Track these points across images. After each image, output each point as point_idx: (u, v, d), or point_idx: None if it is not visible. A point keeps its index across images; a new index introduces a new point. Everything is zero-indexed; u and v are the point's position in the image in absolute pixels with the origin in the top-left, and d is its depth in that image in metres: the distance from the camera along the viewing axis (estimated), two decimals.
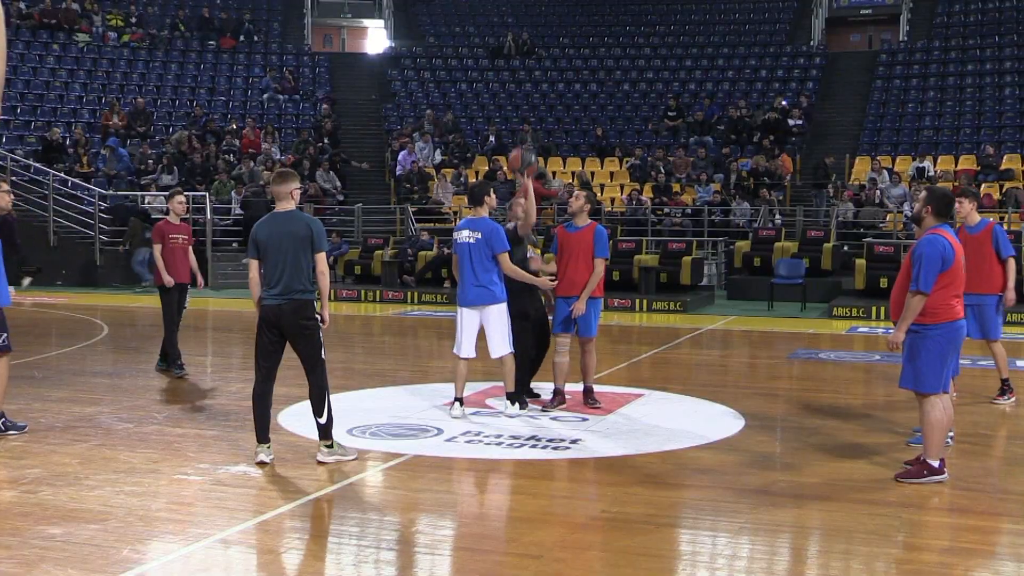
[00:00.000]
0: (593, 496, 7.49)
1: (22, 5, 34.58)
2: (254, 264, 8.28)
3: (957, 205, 9.62)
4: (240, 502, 7.27)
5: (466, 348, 9.86)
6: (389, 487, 7.97)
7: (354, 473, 8.02)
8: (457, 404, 9.85)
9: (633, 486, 7.76)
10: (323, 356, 8.28)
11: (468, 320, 9.82)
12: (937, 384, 7.60)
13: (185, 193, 13.66)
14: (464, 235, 9.74)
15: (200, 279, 13.15)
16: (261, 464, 8.09)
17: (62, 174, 26.88)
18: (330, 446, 8.23)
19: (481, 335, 9.77)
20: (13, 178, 25.98)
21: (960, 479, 7.81)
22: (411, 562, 6.26)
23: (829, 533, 6.78)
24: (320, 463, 8.15)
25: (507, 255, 9.59)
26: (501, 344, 9.78)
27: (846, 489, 7.64)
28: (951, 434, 8.68)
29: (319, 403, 8.20)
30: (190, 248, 12.77)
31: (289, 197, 8.31)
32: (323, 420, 8.20)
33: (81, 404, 10.58)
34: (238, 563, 6.21)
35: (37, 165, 27.00)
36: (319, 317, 8.22)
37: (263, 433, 8.24)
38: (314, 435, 8.61)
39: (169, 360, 12.59)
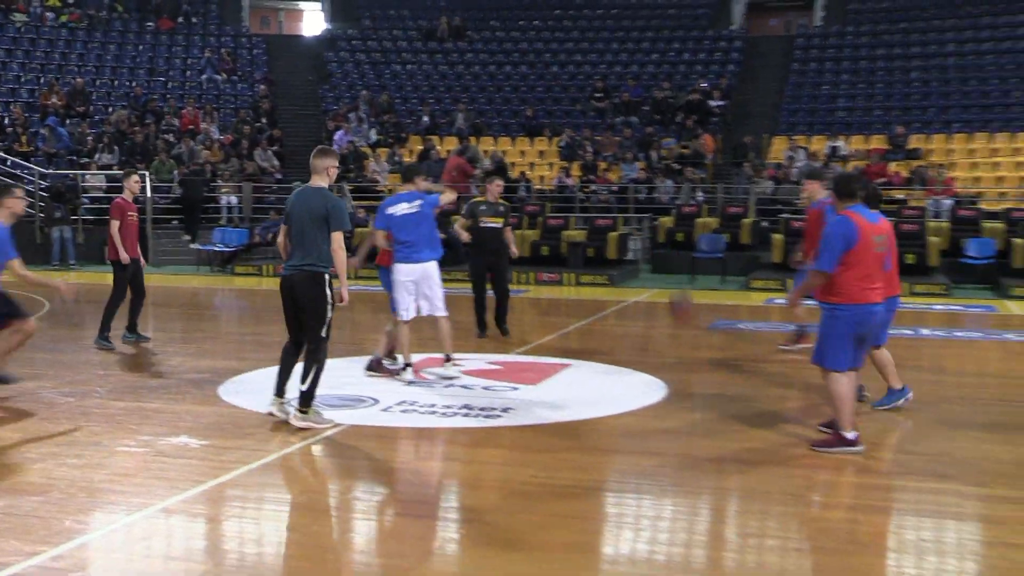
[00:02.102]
0: (523, 462, 7.53)
1: None
2: (283, 230, 8.52)
3: (802, 186, 9.42)
4: (181, 472, 7.20)
5: (414, 310, 10.28)
6: (327, 456, 7.94)
7: (293, 443, 7.98)
8: (409, 369, 10.13)
9: (561, 452, 7.81)
10: (323, 335, 8.26)
11: (410, 282, 10.23)
12: (840, 362, 7.58)
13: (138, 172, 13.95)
14: (403, 207, 10.22)
15: (142, 258, 13.25)
16: (270, 414, 8.35)
17: (1, 153, 26.35)
18: (305, 412, 8.24)
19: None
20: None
21: (872, 442, 7.95)
22: (348, 528, 6.26)
23: (747, 494, 6.88)
24: (297, 427, 8.18)
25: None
26: (442, 305, 10.30)
27: (763, 453, 7.76)
28: (908, 396, 9.05)
29: (306, 372, 8.23)
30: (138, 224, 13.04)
31: (325, 173, 8.43)
32: (304, 387, 8.22)
33: (23, 379, 10.40)
34: (180, 532, 6.17)
35: None
36: (329, 294, 8.25)
37: (280, 387, 8.40)
38: (253, 407, 8.60)
39: (131, 326, 12.76)
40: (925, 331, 14.55)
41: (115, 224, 12.58)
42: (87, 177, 26.32)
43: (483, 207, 13.20)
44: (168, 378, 10.64)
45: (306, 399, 8.24)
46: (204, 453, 7.68)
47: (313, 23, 39.33)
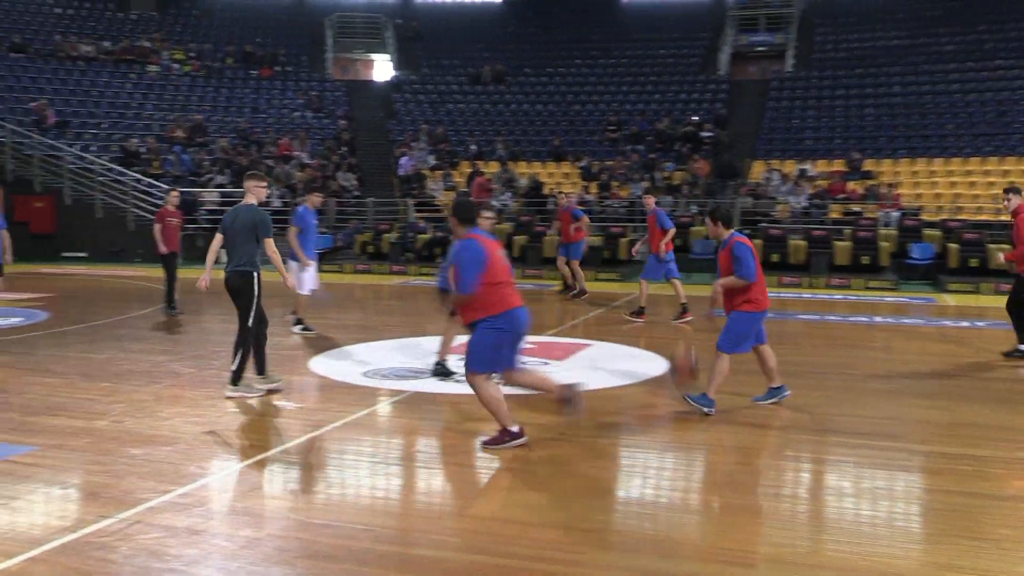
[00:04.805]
0: (550, 423, 7.51)
1: (107, 43, 34.13)
2: (217, 239, 8.42)
3: (707, 224, 7.89)
4: (279, 428, 7.26)
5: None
6: (395, 416, 7.97)
7: (367, 406, 8.02)
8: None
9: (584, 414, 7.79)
10: (250, 323, 8.38)
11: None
12: (483, 367, 6.53)
13: (180, 190, 15.99)
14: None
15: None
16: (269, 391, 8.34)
17: (138, 175, 26.62)
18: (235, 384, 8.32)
19: None
20: (100, 178, 25.78)
21: (831, 408, 7.83)
22: (412, 475, 6.28)
23: (732, 450, 6.83)
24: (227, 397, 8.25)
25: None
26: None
27: (746, 416, 7.70)
28: (786, 394, 8.00)
29: (236, 352, 8.39)
30: (179, 227, 14.27)
31: (252, 193, 8.38)
32: (235, 367, 8.32)
33: (155, 354, 10.53)
34: (279, 476, 6.21)
35: (119, 168, 26.72)
36: (256, 289, 8.37)
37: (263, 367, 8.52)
38: (336, 376, 8.64)
39: (169, 301, 14.09)
40: (878, 318, 14.39)
41: (157, 227, 13.86)
42: (204, 194, 26.56)
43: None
44: (269, 353, 10.69)
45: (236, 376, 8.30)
46: (297, 413, 7.73)
47: (383, 71, 39.40)
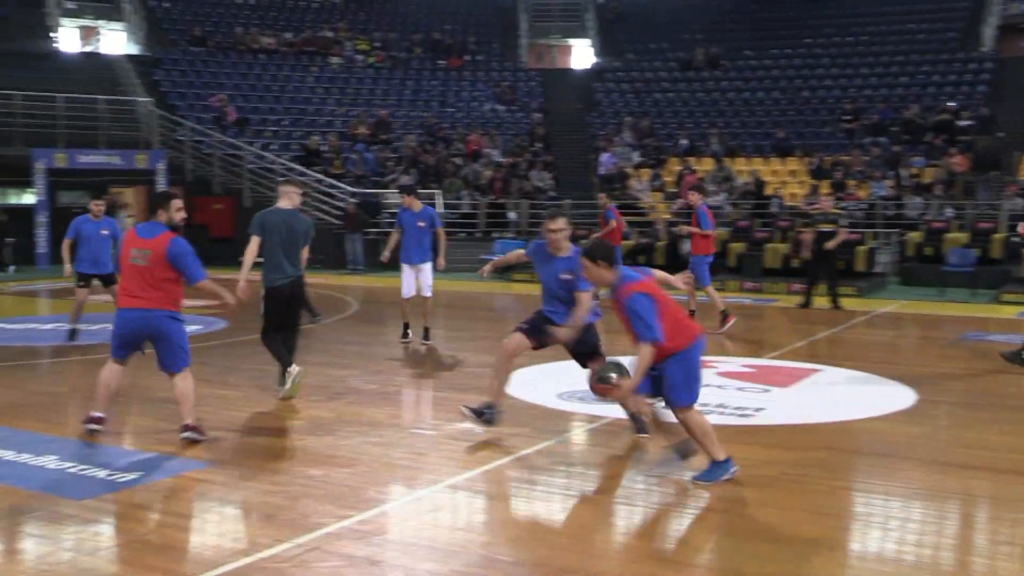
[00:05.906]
0: (775, 459, 7.32)
1: (288, 35, 36.20)
2: (257, 242, 9.05)
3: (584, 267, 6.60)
4: (466, 453, 7.42)
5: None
6: (593, 445, 7.99)
7: (561, 432, 8.08)
8: None
9: (811, 451, 7.55)
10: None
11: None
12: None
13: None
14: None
15: None
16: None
17: (319, 175, 28.00)
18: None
19: None
20: (280, 179, 27.28)
21: None
22: (610, 511, 6.27)
23: (998, 502, 6.43)
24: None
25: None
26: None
27: (1015, 462, 7.23)
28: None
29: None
30: None
31: (290, 196, 9.13)
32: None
33: (335, 368, 11.01)
34: (463, 506, 6.35)
35: (299, 167, 28.21)
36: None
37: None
38: (530, 398, 8.77)
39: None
40: None
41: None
42: (387, 196, 27.61)
43: (819, 216, 16.49)
44: (456, 371, 10.97)
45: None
46: (486, 437, 7.87)
47: (582, 57, 39.77)
